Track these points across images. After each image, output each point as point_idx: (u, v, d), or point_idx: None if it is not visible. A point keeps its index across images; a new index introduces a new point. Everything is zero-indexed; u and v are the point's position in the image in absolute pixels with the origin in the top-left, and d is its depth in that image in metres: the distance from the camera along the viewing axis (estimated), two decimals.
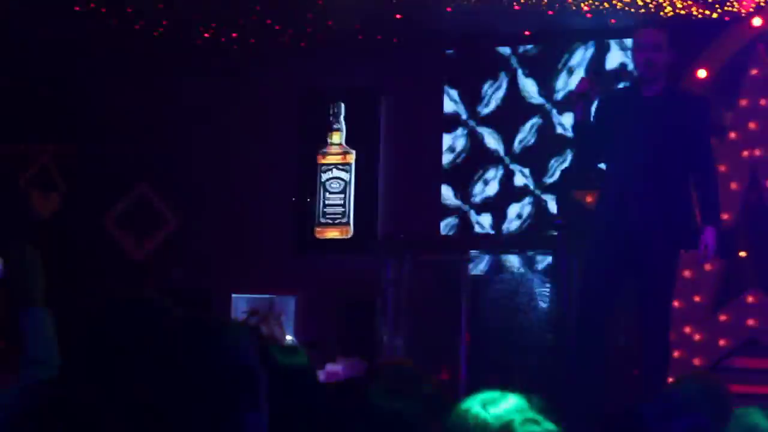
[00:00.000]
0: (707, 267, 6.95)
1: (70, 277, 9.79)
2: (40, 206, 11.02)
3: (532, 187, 10.25)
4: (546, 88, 10.26)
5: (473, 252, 9.28)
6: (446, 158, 10.53)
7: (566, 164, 9.98)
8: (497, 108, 10.42)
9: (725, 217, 6.77)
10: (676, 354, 6.74)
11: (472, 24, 9.93)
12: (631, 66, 9.11)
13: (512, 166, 10.32)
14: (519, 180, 10.32)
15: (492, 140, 10.43)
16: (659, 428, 4.12)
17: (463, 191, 10.46)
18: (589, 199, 7.99)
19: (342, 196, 10.79)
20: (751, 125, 7.15)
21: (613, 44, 10.03)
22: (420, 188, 10.55)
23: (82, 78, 11.13)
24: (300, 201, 10.89)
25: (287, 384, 3.28)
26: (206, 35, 10.39)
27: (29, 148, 11.18)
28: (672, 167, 6.34)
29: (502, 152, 10.37)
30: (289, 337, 10.37)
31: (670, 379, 6.12)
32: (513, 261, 9.87)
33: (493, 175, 10.41)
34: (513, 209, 10.30)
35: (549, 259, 9.11)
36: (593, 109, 6.60)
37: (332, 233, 10.79)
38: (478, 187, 10.44)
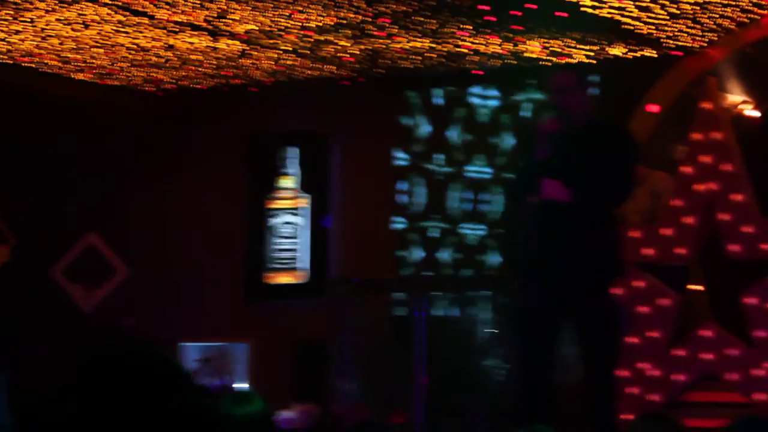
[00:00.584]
0: (664, 302, 6.91)
1: (20, 329, 9.65)
2: None
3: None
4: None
5: (429, 293, 9.19)
6: (399, 200, 10.44)
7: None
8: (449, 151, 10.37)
9: (681, 251, 6.76)
10: (634, 390, 6.68)
11: (425, 67, 9.90)
12: None
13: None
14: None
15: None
16: None
17: (416, 233, 10.37)
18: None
19: (294, 240, 10.68)
20: (705, 159, 7.12)
21: None
22: (372, 231, 10.43)
23: (30, 130, 11.02)
24: (250, 246, 10.78)
25: None
26: (156, 83, 10.36)
27: None
28: (591, 201, 6.35)
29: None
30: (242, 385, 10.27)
31: (630, 416, 6.04)
32: (470, 301, 9.78)
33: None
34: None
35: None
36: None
37: (284, 278, 10.67)
38: (431, 229, 10.35)
